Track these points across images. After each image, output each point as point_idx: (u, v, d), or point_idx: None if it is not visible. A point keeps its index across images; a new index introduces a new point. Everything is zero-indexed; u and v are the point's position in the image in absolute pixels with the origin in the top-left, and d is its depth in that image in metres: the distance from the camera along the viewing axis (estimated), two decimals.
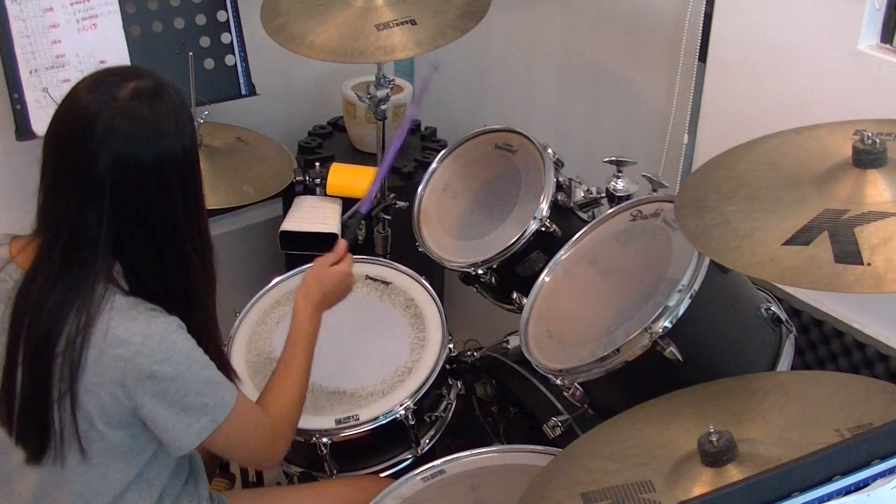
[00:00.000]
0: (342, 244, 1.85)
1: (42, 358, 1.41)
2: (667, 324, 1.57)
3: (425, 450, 1.99)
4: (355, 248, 2.31)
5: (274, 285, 2.19)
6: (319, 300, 1.77)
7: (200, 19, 2.40)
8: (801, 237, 1.32)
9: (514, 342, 2.17)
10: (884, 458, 1.00)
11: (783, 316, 1.70)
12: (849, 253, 1.26)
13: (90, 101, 1.40)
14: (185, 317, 1.48)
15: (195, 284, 1.51)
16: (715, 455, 1.25)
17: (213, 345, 1.55)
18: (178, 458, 1.58)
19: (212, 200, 2.18)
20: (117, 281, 1.44)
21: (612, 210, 1.92)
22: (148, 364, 1.41)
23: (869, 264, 1.24)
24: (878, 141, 1.37)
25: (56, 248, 1.42)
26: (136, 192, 1.41)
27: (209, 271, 1.54)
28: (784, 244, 1.32)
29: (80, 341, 1.40)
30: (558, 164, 2.11)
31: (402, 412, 1.89)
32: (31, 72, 2.24)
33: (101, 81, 1.42)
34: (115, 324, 1.40)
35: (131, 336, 1.40)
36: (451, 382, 2.07)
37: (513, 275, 2.07)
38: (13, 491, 1.54)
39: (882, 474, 1.00)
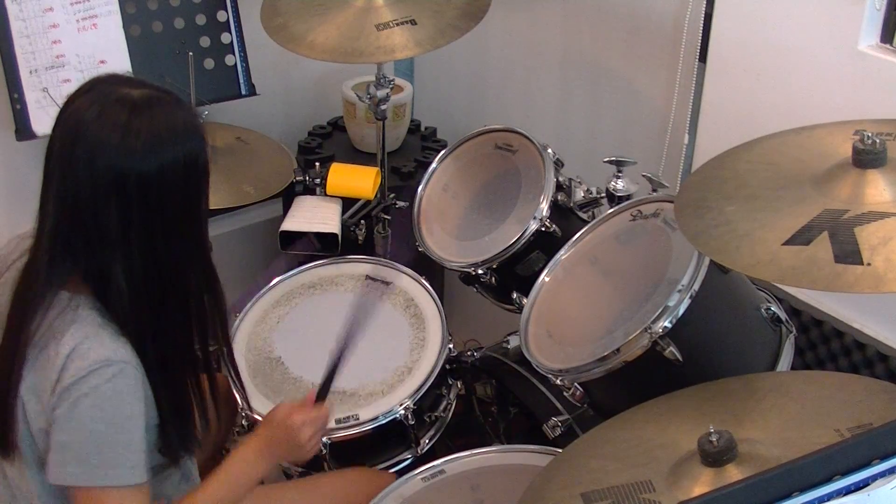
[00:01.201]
0: (310, 397, 1.68)
1: (11, 351, 1.42)
2: (667, 324, 1.57)
3: (425, 450, 1.99)
4: (355, 248, 2.32)
5: (274, 285, 2.19)
6: (263, 445, 1.63)
7: (200, 19, 2.40)
8: (801, 237, 1.32)
9: (514, 342, 2.17)
10: (884, 458, 1.00)
11: (783, 316, 1.70)
12: (849, 253, 1.26)
13: (83, 111, 1.38)
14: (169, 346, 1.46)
15: (193, 311, 1.48)
16: (715, 455, 1.25)
17: (179, 391, 1.51)
18: (158, 465, 1.52)
19: (212, 200, 2.15)
20: (97, 295, 1.43)
21: (612, 210, 1.92)
22: (68, 378, 1.38)
23: (869, 264, 1.24)
24: (878, 141, 1.37)
25: (42, 254, 1.42)
26: (134, 205, 1.38)
27: (211, 299, 1.50)
28: (784, 244, 1.32)
29: (38, 343, 1.40)
30: (558, 164, 2.11)
31: (402, 412, 1.89)
32: (31, 72, 2.24)
33: (94, 90, 1.41)
34: (69, 335, 1.39)
35: (74, 350, 1.39)
36: (451, 382, 2.07)
37: (513, 275, 2.07)
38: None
39: (882, 474, 1.00)
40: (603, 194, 2.08)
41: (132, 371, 1.41)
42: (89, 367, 1.38)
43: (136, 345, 1.43)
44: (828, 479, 0.99)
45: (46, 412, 1.41)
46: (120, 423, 1.41)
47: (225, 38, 2.43)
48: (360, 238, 2.36)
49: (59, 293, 1.42)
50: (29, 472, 1.48)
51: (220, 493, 1.57)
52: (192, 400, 1.54)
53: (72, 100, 1.42)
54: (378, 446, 1.97)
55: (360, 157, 2.77)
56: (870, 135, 1.38)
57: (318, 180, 2.35)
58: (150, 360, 1.44)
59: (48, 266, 1.41)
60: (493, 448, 1.84)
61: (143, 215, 1.40)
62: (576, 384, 1.71)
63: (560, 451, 1.62)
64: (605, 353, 1.63)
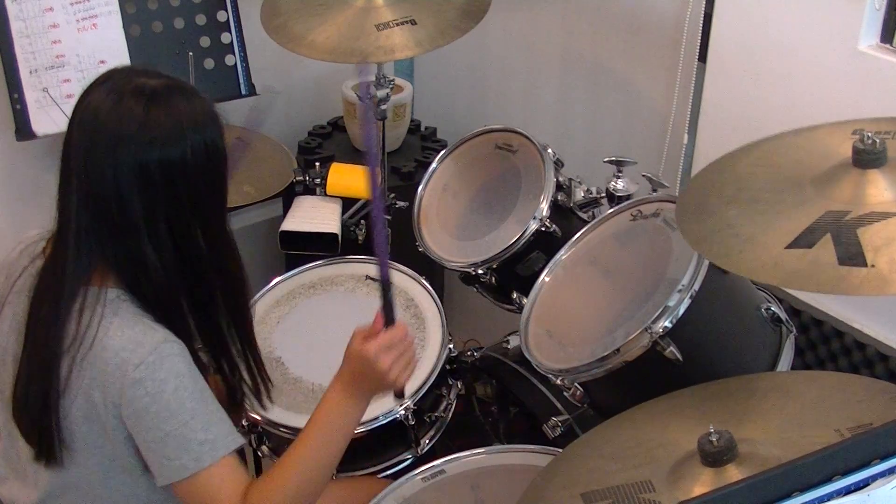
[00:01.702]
0: (377, 324, 1.52)
1: (46, 355, 1.41)
2: (667, 324, 1.57)
3: (425, 450, 1.98)
4: (355, 248, 2.32)
5: (274, 285, 2.19)
6: (347, 384, 1.52)
7: (200, 19, 2.40)
8: (804, 240, 1.31)
9: (514, 342, 2.17)
10: (884, 458, 1.00)
11: (783, 316, 1.70)
12: (852, 255, 1.26)
13: (100, 103, 1.39)
14: (198, 330, 1.47)
15: (219, 297, 1.50)
16: (715, 455, 1.25)
17: (232, 362, 1.53)
18: None
19: None
20: (129, 288, 1.44)
21: (612, 210, 1.92)
22: (132, 371, 1.37)
23: (873, 266, 1.24)
24: (877, 140, 1.37)
25: (69, 251, 1.42)
26: (159, 194, 1.39)
27: (232, 278, 1.51)
28: (787, 247, 1.32)
29: (79, 343, 1.39)
30: (558, 164, 2.11)
31: (402, 412, 1.89)
32: (31, 72, 2.24)
33: (111, 81, 1.41)
34: (113, 330, 1.40)
35: (125, 343, 1.39)
36: (451, 382, 2.07)
37: (513, 275, 2.07)
38: (26, 486, 1.54)
39: (882, 474, 1.00)
40: (603, 194, 2.08)
41: (185, 347, 1.43)
42: (151, 352, 1.38)
43: (172, 327, 1.44)
44: (828, 479, 0.99)
45: (110, 410, 1.40)
46: (205, 393, 1.42)
47: (225, 38, 2.43)
48: (360, 238, 2.36)
49: (89, 289, 1.41)
50: (85, 473, 1.47)
51: (318, 441, 1.49)
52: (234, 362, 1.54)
53: (88, 93, 1.42)
54: (378, 446, 1.97)
55: (360, 157, 2.76)
56: (869, 135, 1.37)
57: (318, 180, 2.35)
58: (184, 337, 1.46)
59: (76, 262, 1.41)
60: (493, 448, 1.84)
61: (169, 204, 1.40)
62: (576, 384, 1.71)
63: (560, 451, 1.62)
64: (606, 353, 1.63)
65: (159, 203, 1.40)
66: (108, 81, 1.42)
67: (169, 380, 1.38)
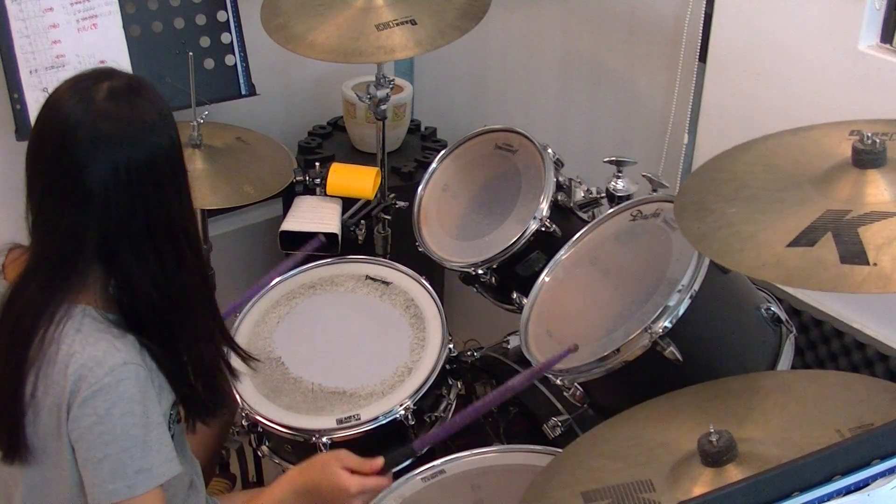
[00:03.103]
0: (378, 464, 1.60)
1: (15, 365, 1.40)
2: (667, 324, 1.57)
3: (425, 450, 1.98)
4: (355, 248, 2.32)
5: (274, 285, 2.19)
6: (303, 490, 1.59)
7: (200, 19, 2.40)
8: (805, 238, 1.31)
9: (514, 342, 2.17)
10: (884, 458, 1.00)
11: (783, 316, 1.70)
12: (854, 253, 1.26)
13: (70, 110, 1.37)
14: (172, 334, 1.45)
15: (191, 286, 1.47)
16: (715, 455, 1.25)
17: (205, 361, 1.51)
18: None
19: (212, 200, 2.17)
20: (99, 301, 1.42)
21: (612, 210, 1.92)
22: (86, 389, 1.36)
23: (875, 264, 1.24)
24: (877, 141, 1.37)
25: (43, 262, 1.41)
26: (133, 193, 1.38)
27: (204, 269, 1.51)
28: (788, 246, 1.32)
29: (44, 356, 1.39)
30: (558, 164, 2.11)
31: (402, 412, 1.89)
32: (31, 72, 2.24)
33: (76, 88, 1.40)
34: (77, 345, 1.38)
35: (85, 360, 1.37)
36: (451, 382, 2.06)
37: (513, 275, 2.07)
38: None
39: (882, 474, 1.00)
40: (603, 194, 2.08)
41: (143, 370, 1.41)
42: (108, 373, 1.37)
43: (151, 328, 1.43)
44: (828, 479, 0.99)
45: (60, 420, 1.40)
46: (151, 419, 1.41)
47: (225, 38, 2.43)
48: (360, 238, 2.36)
49: (60, 305, 1.40)
50: (29, 470, 1.47)
51: None
52: (214, 360, 1.53)
53: (53, 105, 1.41)
54: (378, 446, 1.96)
55: (360, 157, 2.77)
56: (869, 135, 1.37)
57: (318, 180, 2.35)
58: (166, 336, 1.45)
59: (65, 280, 1.40)
60: (493, 448, 1.84)
61: (142, 203, 1.39)
62: (576, 384, 1.71)
63: (560, 451, 1.62)
64: (606, 353, 1.63)
65: (135, 204, 1.39)
66: (70, 87, 1.40)
67: (119, 404, 1.37)
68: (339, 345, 2.06)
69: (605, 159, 2.06)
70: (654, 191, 1.89)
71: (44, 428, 1.43)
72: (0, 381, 1.43)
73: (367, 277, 2.18)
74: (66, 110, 1.38)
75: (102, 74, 1.42)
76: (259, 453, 2.02)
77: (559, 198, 2.04)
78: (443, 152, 2.29)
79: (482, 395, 2.27)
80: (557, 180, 2.06)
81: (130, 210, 1.39)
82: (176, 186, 1.43)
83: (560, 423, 1.88)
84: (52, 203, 1.40)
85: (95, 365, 1.37)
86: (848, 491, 0.99)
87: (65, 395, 1.38)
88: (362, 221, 2.36)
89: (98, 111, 1.36)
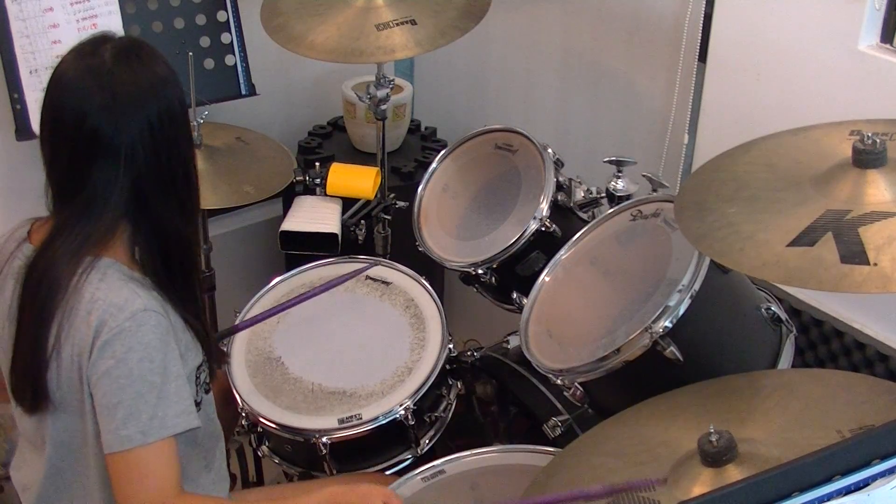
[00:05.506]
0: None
1: (40, 317, 1.43)
2: (667, 324, 1.57)
3: (425, 450, 1.99)
4: (355, 248, 2.32)
5: (274, 285, 2.19)
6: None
7: (200, 19, 2.40)
8: (806, 238, 1.31)
9: (514, 342, 2.17)
10: (884, 458, 1.00)
11: (783, 316, 1.70)
12: (855, 253, 1.26)
13: (82, 78, 1.41)
14: (191, 291, 1.51)
15: (195, 234, 1.55)
16: (715, 455, 1.25)
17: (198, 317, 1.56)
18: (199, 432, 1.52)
19: (212, 200, 2.17)
20: (125, 260, 1.46)
21: (612, 210, 1.92)
22: (106, 333, 1.39)
23: (876, 264, 1.24)
24: (877, 141, 1.37)
25: (70, 223, 1.44)
26: (157, 143, 1.43)
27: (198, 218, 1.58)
28: (788, 245, 1.32)
29: (68, 305, 1.41)
30: (558, 164, 2.11)
31: (402, 412, 1.89)
32: (31, 72, 2.24)
33: (81, 56, 1.44)
34: (100, 292, 1.41)
35: (107, 306, 1.40)
36: (451, 382, 2.07)
37: (513, 275, 2.07)
38: (36, 453, 1.56)
39: (882, 474, 1.00)
40: (603, 194, 2.08)
41: (166, 321, 1.44)
42: (129, 318, 1.39)
43: (173, 284, 1.48)
44: (828, 479, 0.99)
45: (81, 367, 1.42)
46: (169, 370, 1.42)
47: (225, 38, 2.43)
48: (360, 238, 2.36)
49: (84, 258, 1.43)
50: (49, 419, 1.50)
51: None
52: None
53: (61, 78, 1.45)
54: (378, 446, 1.97)
55: (360, 157, 2.77)
56: (869, 135, 1.37)
57: (318, 180, 2.35)
58: (187, 294, 1.51)
59: (89, 235, 1.43)
60: (493, 448, 1.85)
61: (166, 151, 1.45)
62: (576, 384, 1.71)
63: (560, 451, 1.62)
64: (606, 353, 1.63)
65: (163, 152, 1.44)
66: (72, 52, 1.45)
67: (137, 349, 1.39)
68: (339, 345, 2.06)
69: (605, 159, 2.06)
70: (654, 191, 1.89)
71: (66, 378, 1.44)
72: (25, 334, 1.45)
73: (367, 277, 2.19)
74: (78, 80, 1.42)
75: (101, 39, 1.46)
76: (259, 453, 2.03)
77: (559, 198, 2.04)
78: (443, 152, 2.29)
79: (482, 395, 2.27)
80: (557, 180, 2.06)
81: (155, 159, 1.44)
82: (188, 132, 1.51)
83: (560, 423, 1.88)
84: (80, 166, 1.43)
85: (117, 310, 1.40)
86: (848, 491, 0.99)
87: (87, 341, 1.40)
88: (362, 221, 2.36)
89: (111, 75, 1.41)
